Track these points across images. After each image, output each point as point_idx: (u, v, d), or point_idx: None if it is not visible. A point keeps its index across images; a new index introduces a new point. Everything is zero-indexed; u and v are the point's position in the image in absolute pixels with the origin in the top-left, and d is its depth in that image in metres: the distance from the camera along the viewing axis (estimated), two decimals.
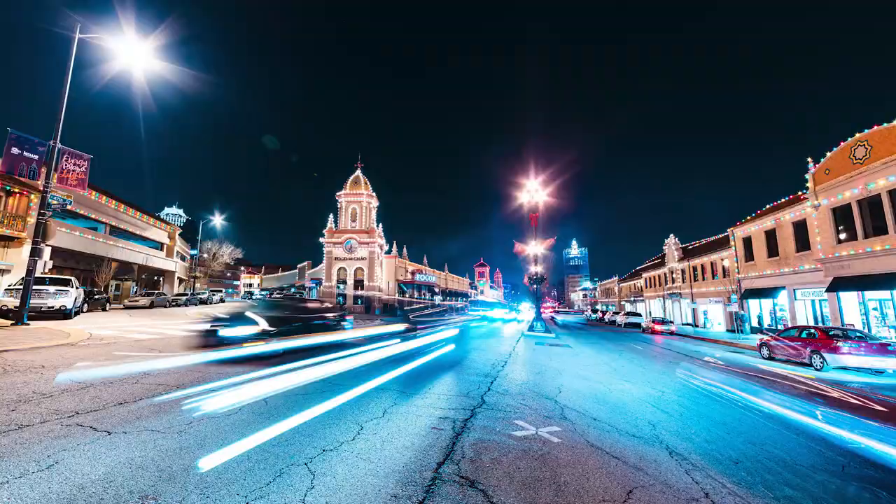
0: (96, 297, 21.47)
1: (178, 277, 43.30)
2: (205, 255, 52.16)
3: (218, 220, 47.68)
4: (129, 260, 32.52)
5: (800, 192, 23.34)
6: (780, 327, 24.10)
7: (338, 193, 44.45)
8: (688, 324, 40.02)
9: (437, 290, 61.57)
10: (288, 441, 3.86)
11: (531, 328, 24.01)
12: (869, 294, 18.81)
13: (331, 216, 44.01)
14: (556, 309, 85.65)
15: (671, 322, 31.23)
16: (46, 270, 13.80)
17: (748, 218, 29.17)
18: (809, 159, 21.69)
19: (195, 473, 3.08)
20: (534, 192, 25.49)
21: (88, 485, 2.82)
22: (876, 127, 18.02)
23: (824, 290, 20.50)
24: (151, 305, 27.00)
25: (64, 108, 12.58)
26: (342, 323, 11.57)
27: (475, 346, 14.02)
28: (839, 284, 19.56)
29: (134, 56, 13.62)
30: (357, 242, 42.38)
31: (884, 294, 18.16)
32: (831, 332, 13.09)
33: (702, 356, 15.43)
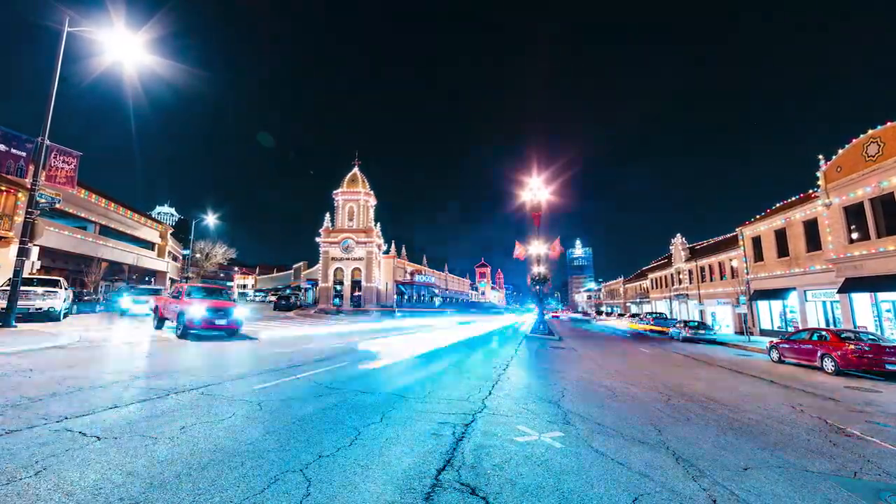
0: (86, 298, 21.20)
1: (171, 278, 42.83)
2: (197, 255, 51.60)
3: (211, 220, 47.05)
4: (120, 260, 32.22)
5: (810, 191, 22.92)
6: (791, 329, 23.69)
7: (334, 192, 44.23)
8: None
9: (436, 291, 61.42)
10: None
11: (534, 330, 23.84)
12: (882, 295, 18.40)
13: (327, 215, 43.79)
14: (559, 313, 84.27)
15: (679, 322, 30.17)
16: (34, 271, 13.30)
17: (757, 217, 28.74)
18: (821, 156, 21.27)
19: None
20: (536, 190, 25.21)
21: (77, 492, 2.78)
22: (889, 123, 17.64)
23: (836, 291, 20.10)
24: None
25: (52, 103, 12.23)
26: None
27: (478, 347, 13.95)
28: (851, 285, 19.16)
29: (124, 50, 13.34)
30: (354, 242, 42.18)
31: None
32: (843, 335, 12.80)
33: (711, 358, 15.20)
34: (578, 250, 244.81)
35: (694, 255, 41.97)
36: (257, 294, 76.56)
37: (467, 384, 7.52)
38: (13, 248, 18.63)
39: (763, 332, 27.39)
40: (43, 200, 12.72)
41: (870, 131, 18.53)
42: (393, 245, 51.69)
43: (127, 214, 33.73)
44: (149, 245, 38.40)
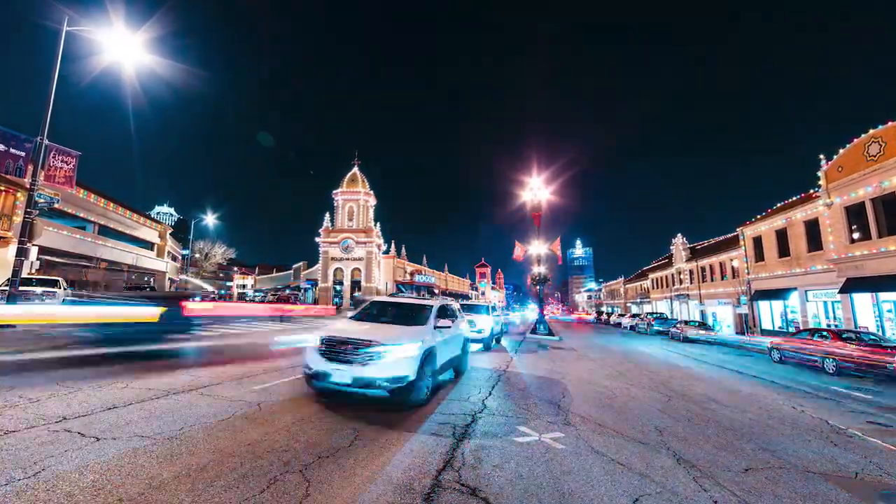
0: (85, 298, 21.26)
1: (170, 278, 42.64)
2: (196, 255, 51.31)
3: (210, 219, 46.74)
4: (119, 260, 32.11)
5: (811, 191, 22.88)
6: (792, 329, 23.65)
7: (334, 192, 44.15)
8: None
9: (436, 291, 61.39)
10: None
11: (534, 330, 23.79)
12: (883, 295, 18.36)
13: (327, 215, 43.69)
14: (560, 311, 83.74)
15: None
16: (33, 271, 13.28)
17: (758, 217, 28.69)
18: (822, 156, 21.22)
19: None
20: (537, 190, 25.14)
21: (77, 493, 2.77)
22: (890, 123, 17.60)
23: (837, 291, 20.06)
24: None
25: (51, 103, 12.19)
26: None
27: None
28: (852, 285, 19.12)
29: (123, 50, 13.29)
30: (354, 242, 42.08)
31: None
32: (844, 335, 12.77)
33: (711, 359, 15.17)
34: (578, 250, 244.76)
35: (694, 255, 41.91)
36: (256, 294, 76.39)
37: (467, 384, 7.50)
38: (12, 248, 18.55)
39: (764, 333, 27.33)
40: (42, 200, 12.68)
41: (871, 131, 18.49)
42: (393, 245, 51.63)
43: (126, 214, 33.68)
44: (148, 245, 38.32)
